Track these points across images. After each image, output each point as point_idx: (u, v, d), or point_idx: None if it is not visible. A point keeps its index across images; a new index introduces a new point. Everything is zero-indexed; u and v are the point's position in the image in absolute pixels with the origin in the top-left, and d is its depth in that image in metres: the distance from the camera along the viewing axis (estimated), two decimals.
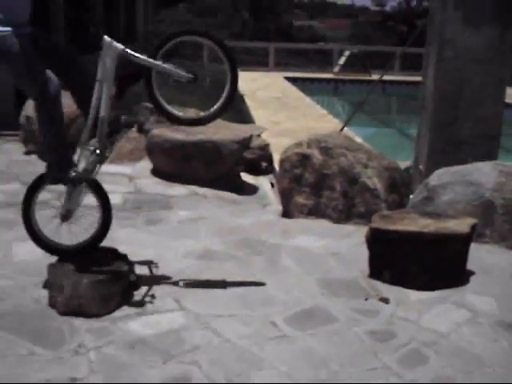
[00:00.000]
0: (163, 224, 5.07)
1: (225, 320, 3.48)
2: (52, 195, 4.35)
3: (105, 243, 4.01)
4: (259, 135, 7.23)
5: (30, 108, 7.20)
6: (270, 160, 7.04)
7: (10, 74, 3.51)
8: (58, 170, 3.63)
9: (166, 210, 5.40)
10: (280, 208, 5.59)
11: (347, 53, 22.25)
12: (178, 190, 5.94)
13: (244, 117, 10.21)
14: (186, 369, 3.00)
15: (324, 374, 3.01)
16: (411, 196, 5.51)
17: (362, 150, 5.60)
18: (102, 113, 3.58)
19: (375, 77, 17.17)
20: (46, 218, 3.85)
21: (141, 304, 3.61)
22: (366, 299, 3.82)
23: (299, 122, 10.69)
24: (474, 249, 4.32)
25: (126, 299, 3.63)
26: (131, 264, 3.83)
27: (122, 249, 3.91)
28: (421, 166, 6.38)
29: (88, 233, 3.84)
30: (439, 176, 5.25)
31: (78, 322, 3.39)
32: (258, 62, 22.90)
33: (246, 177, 6.45)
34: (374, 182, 5.29)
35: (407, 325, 3.52)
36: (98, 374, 2.95)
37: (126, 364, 3.03)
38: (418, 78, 7.06)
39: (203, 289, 3.86)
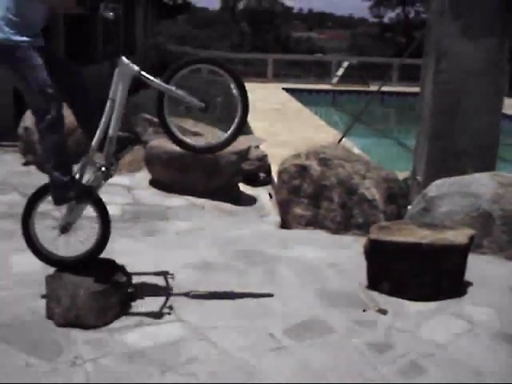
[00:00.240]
0: (161, 235, 5.07)
1: (222, 331, 3.47)
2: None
3: (103, 254, 4.01)
4: (258, 146, 7.25)
5: (28, 119, 7.22)
6: (268, 171, 7.06)
7: (20, 83, 3.50)
8: (65, 190, 3.60)
9: (164, 220, 5.40)
10: (278, 219, 5.60)
11: (345, 64, 22.35)
12: (177, 200, 5.95)
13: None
14: (183, 380, 3.00)
15: None
16: (409, 207, 5.52)
17: (360, 161, 5.61)
18: (111, 131, 3.61)
19: (373, 88, 17.26)
20: (46, 229, 3.85)
21: (138, 315, 3.60)
22: (364, 310, 3.81)
23: (298, 133, 10.71)
24: (472, 260, 4.31)
25: (123, 310, 3.62)
26: (129, 275, 3.82)
27: (119, 260, 3.90)
28: (419, 177, 6.38)
29: (86, 245, 3.84)
30: (437, 187, 5.26)
31: (76, 333, 3.39)
32: (257, 73, 22.97)
33: (244, 188, 6.47)
34: (373, 192, 5.30)
35: (405, 336, 3.51)
36: None
37: (123, 376, 3.02)
38: (416, 89, 7.09)
39: (201, 300, 3.86)
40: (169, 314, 3.64)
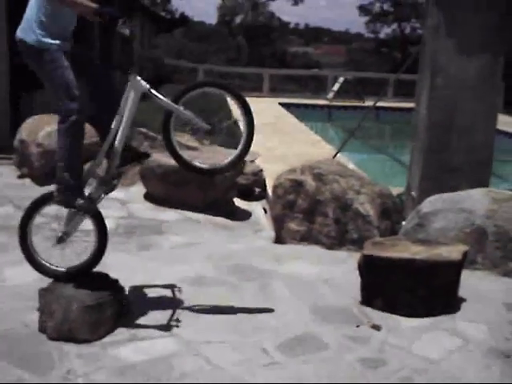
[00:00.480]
0: (156, 249, 5.06)
1: (216, 346, 3.46)
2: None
3: (96, 268, 4.00)
4: (253, 161, 7.27)
5: (24, 131, 7.23)
6: (263, 186, 7.07)
7: (47, 83, 3.58)
8: (69, 193, 3.62)
9: (158, 235, 5.40)
10: (273, 234, 5.60)
11: (341, 79, 22.44)
12: (171, 215, 5.95)
13: (238, 142, 10.24)
14: None
15: None
16: (403, 223, 5.53)
17: (355, 177, 5.63)
18: (117, 145, 3.65)
19: (369, 103, 17.33)
20: (42, 240, 3.86)
21: (132, 330, 3.59)
22: (358, 326, 3.81)
23: (293, 148, 10.74)
24: (466, 276, 4.33)
25: (116, 325, 3.61)
26: (122, 289, 3.82)
27: (113, 274, 3.89)
28: (413, 193, 6.40)
29: (82, 257, 3.83)
30: (431, 203, 5.28)
31: (68, 347, 3.38)
32: (253, 88, 23.05)
33: (239, 202, 6.47)
34: (367, 208, 5.31)
35: (399, 352, 3.51)
36: None
37: None
38: (412, 105, 7.13)
39: (195, 315, 3.85)
40: (162, 328, 3.63)
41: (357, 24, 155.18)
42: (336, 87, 22.31)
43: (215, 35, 43.49)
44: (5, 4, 8.96)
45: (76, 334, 3.45)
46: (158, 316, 3.78)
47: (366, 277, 4.16)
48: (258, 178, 6.99)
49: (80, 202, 3.62)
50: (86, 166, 3.76)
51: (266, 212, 6.31)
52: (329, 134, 16.95)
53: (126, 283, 3.93)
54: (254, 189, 6.95)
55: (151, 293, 4.10)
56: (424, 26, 6.90)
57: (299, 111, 18.77)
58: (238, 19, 43.57)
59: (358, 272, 4.18)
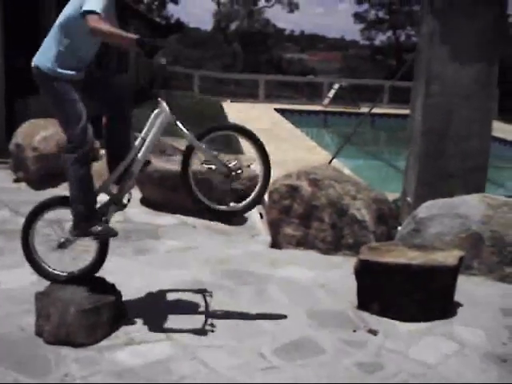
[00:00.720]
0: (152, 254, 5.06)
1: (213, 351, 3.46)
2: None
3: None
4: (249, 166, 7.26)
5: (20, 136, 7.22)
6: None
7: (57, 114, 3.62)
8: (88, 224, 3.63)
9: (154, 239, 5.39)
10: (269, 239, 5.60)
11: (336, 86, 22.52)
12: (167, 219, 5.94)
13: (233, 148, 10.26)
14: None
15: None
16: (399, 228, 5.55)
17: (351, 182, 5.64)
18: (135, 168, 3.71)
19: (364, 109, 17.38)
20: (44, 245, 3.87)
21: (128, 334, 3.59)
22: (355, 331, 3.82)
23: (289, 154, 10.76)
24: (462, 281, 4.34)
25: (113, 329, 3.60)
26: (119, 293, 3.81)
27: (110, 278, 3.89)
28: (409, 198, 6.42)
29: (82, 264, 3.86)
30: (427, 208, 5.29)
31: (65, 351, 3.37)
32: (249, 94, 23.11)
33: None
34: (363, 213, 5.33)
35: (395, 356, 3.52)
36: None
37: None
38: (407, 111, 7.16)
39: (191, 319, 3.84)
40: (158, 332, 3.63)
41: (352, 31, 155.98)
42: (331, 94, 22.38)
43: (211, 41, 43.57)
44: (1, 13, 8.98)
45: (73, 338, 3.45)
46: (155, 320, 3.77)
47: (362, 281, 4.16)
48: (254, 183, 6.97)
49: (98, 229, 3.64)
50: (99, 183, 3.78)
51: (262, 217, 6.30)
52: (324, 139, 16.99)
53: (123, 287, 3.92)
54: (250, 194, 6.94)
55: (148, 297, 4.10)
56: (419, 34, 6.94)
57: (295, 117, 18.82)
58: (234, 26, 43.68)
59: (354, 277, 4.19)
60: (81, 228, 3.65)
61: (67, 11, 3.57)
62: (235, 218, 6.18)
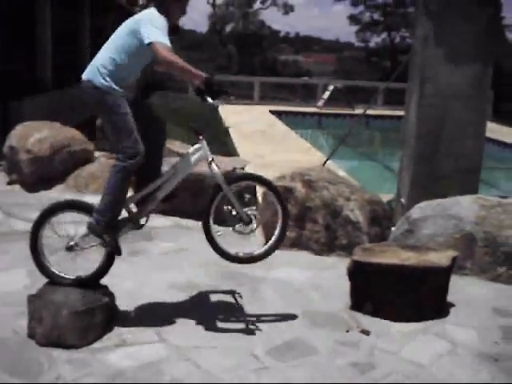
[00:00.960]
0: (145, 255, 5.05)
1: (205, 352, 3.46)
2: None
3: (85, 274, 3.99)
4: (243, 168, 7.26)
5: (14, 138, 7.21)
6: (253, 192, 7.05)
7: (109, 127, 3.73)
8: (105, 226, 3.72)
9: (148, 241, 5.38)
10: (263, 240, 5.59)
11: (331, 87, 22.52)
12: (161, 221, 5.93)
13: (228, 149, 10.27)
14: None
15: None
16: (393, 229, 5.55)
17: (345, 184, 5.65)
18: (160, 193, 3.82)
19: (359, 111, 17.39)
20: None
21: (121, 335, 3.58)
22: (348, 331, 3.82)
23: (283, 155, 10.77)
24: (455, 281, 4.35)
25: (105, 330, 3.60)
26: (112, 295, 3.81)
27: (102, 280, 3.88)
28: (403, 200, 6.43)
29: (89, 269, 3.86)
30: (421, 209, 5.30)
31: (57, 353, 3.36)
32: (244, 96, 23.10)
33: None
34: (356, 215, 5.33)
35: (388, 356, 3.52)
36: None
37: None
38: (401, 113, 7.16)
39: (184, 320, 3.84)
40: (151, 334, 3.62)
41: (347, 33, 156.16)
42: (326, 95, 22.38)
43: (206, 43, 43.59)
44: None
45: (65, 340, 3.44)
46: (148, 322, 3.77)
47: (355, 282, 4.17)
48: (248, 184, 6.97)
49: (108, 239, 3.71)
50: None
51: (255, 218, 6.29)
52: (319, 141, 17.00)
53: (116, 289, 3.92)
54: (244, 195, 6.94)
55: (141, 298, 4.10)
56: (413, 36, 6.96)
57: (289, 119, 18.84)
58: (229, 28, 43.69)
59: (347, 277, 4.19)
60: (97, 226, 3.71)
61: (124, 33, 3.70)
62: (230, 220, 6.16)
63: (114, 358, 3.35)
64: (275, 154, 10.78)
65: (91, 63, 3.75)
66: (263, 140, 12.94)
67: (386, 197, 6.45)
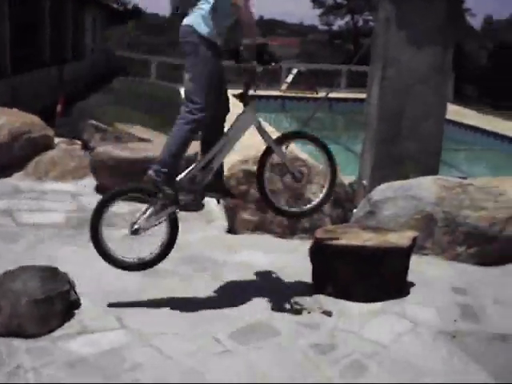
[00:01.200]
0: (107, 242, 4.97)
1: (168, 337, 3.45)
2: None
3: (45, 262, 3.95)
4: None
5: None
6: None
7: (191, 76, 3.79)
8: (163, 177, 3.75)
9: (109, 227, 5.30)
10: (226, 224, 5.59)
11: (295, 70, 22.53)
12: (123, 207, 5.81)
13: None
14: None
15: None
16: (355, 210, 5.60)
17: (307, 166, 5.66)
18: (215, 163, 3.90)
19: (322, 94, 17.44)
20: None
21: (82, 323, 3.55)
22: (309, 312, 3.85)
23: (247, 139, 10.72)
24: (415, 261, 4.41)
25: (66, 318, 3.56)
26: (72, 283, 3.76)
27: (63, 268, 3.83)
28: (364, 181, 6.48)
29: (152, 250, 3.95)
30: (382, 191, 5.35)
31: (17, 342, 3.31)
32: None
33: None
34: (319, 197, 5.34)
35: (349, 337, 3.56)
36: None
37: None
38: (364, 95, 7.20)
39: (146, 306, 3.82)
40: (112, 321, 3.60)
41: (311, 17, 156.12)
42: (290, 78, 22.39)
43: (168, 27, 43.10)
44: None
45: (25, 329, 3.39)
46: (109, 308, 3.74)
47: (317, 264, 4.20)
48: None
49: (169, 191, 3.74)
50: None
51: (218, 202, 6.28)
52: (282, 124, 17.01)
53: (77, 276, 3.87)
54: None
55: (102, 285, 4.06)
56: (376, 19, 6.98)
57: None
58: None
59: (309, 260, 4.22)
60: (156, 182, 3.75)
61: None
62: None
63: (75, 346, 3.31)
64: None
65: (194, 11, 3.80)
66: (226, 123, 12.87)
67: (348, 179, 6.49)
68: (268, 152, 4.06)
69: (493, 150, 13.73)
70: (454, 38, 6.60)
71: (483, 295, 4.29)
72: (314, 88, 21.16)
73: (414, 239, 4.30)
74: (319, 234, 4.34)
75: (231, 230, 5.48)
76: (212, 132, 3.96)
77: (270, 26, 74.65)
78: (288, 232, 5.31)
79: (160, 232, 3.95)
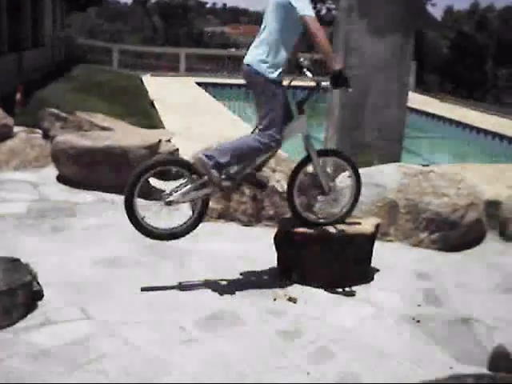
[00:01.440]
0: (69, 232, 4.92)
1: (132, 327, 3.43)
2: None
3: (7, 253, 3.88)
4: (169, 140, 7.18)
5: None
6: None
7: (266, 110, 4.00)
8: (215, 165, 3.89)
9: (72, 217, 5.25)
10: (189, 213, 5.55)
11: None
12: (85, 196, 5.80)
13: (154, 122, 10.12)
14: (92, 377, 2.93)
15: (233, 374, 3.02)
16: (319, 198, 5.61)
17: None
18: (257, 161, 4.08)
19: (285, 82, 17.41)
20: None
21: (45, 314, 3.50)
22: (275, 300, 3.86)
23: (210, 127, 10.68)
24: (379, 247, 4.47)
25: (29, 309, 3.50)
26: (34, 273, 3.70)
27: (25, 258, 3.77)
28: (328, 169, 6.51)
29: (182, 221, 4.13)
30: (345, 178, 5.38)
31: None
32: (169, 67, 22.78)
33: (155, 182, 6.38)
34: (283, 185, 5.36)
35: (314, 323, 3.59)
36: None
37: (30, 376, 2.92)
38: (328, 83, 7.20)
39: (110, 296, 3.79)
40: (76, 311, 3.56)
41: None
42: None
43: (130, 15, 42.63)
44: None
45: None
46: (73, 299, 3.70)
47: (282, 251, 4.22)
48: (174, 157, 6.90)
49: (216, 174, 3.90)
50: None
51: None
52: (246, 113, 16.98)
53: (39, 267, 3.81)
54: (170, 170, 6.87)
55: (65, 275, 4.01)
56: (338, 7, 7.00)
57: (216, 91, 18.69)
58: None
59: (274, 247, 4.23)
60: (206, 164, 3.87)
61: (276, 15, 3.98)
62: (155, 194, 6.10)
63: (38, 338, 3.26)
64: (202, 126, 10.69)
65: (251, 49, 4.08)
66: (190, 112, 12.79)
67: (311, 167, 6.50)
68: (303, 164, 4.28)
69: (454, 138, 13.92)
70: (415, 27, 6.66)
71: (445, 280, 4.37)
72: None
73: (378, 226, 4.35)
74: (284, 221, 4.35)
75: None
76: None
77: (233, 14, 74.42)
78: (253, 220, 5.31)
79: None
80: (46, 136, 7.03)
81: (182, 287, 3.97)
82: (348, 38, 6.37)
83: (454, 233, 5.06)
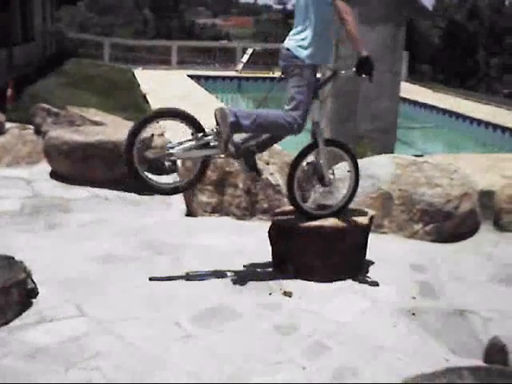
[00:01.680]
0: (63, 228, 4.91)
1: (128, 323, 3.41)
2: None
3: (0, 250, 3.85)
4: (162, 134, 7.15)
5: None
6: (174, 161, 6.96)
7: (295, 94, 4.01)
8: (232, 126, 3.92)
9: (65, 213, 5.23)
10: (184, 207, 5.56)
11: (250, 50, 22.40)
12: (78, 192, 5.78)
13: (141, 109, 10.10)
14: (88, 375, 2.92)
15: (229, 370, 3.01)
16: (316, 189, 5.61)
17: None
18: (263, 137, 4.12)
19: (278, 74, 17.38)
20: None
21: (40, 312, 3.48)
22: (270, 294, 3.86)
23: (203, 120, 10.65)
24: (374, 239, 4.46)
25: (24, 308, 3.49)
26: (29, 271, 3.68)
27: (19, 256, 3.75)
28: (321, 161, 6.49)
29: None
30: (339, 170, 5.37)
31: None
32: (161, 61, 22.67)
33: (148, 176, 6.38)
34: (276, 178, 5.36)
35: (310, 317, 3.58)
36: None
37: (26, 374, 2.91)
38: (319, 75, 7.19)
39: (105, 293, 3.77)
40: (71, 308, 3.54)
41: None
42: (245, 59, 22.25)
43: (121, 8, 42.37)
44: None
45: None
46: (67, 296, 3.68)
47: (276, 245, 4.21)
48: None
49: (227, 132, 3.90)
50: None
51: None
52: (238, 104, 16.95)
53: (34, 264, 3.79)
54: (163, 162, 6.85)
55: (60, 272, 3.99)
56: None
57: (208, 83, 18.66)
58: None
59: (268, 241, 4.22)
60: (226, 115, 3.94)
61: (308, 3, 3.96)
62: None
63: (33, 336, 3.25)
64: None
65: (291, 35, 4.06)
66: (182, 105, 12.70)
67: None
68: (306, 153, 4.26)
69: (447, 128, 13.93)
70: (407, 17, 6.65)
71: (440, 272, 4.37)
72: (269, 68, 21.09)
73: (372, 218, 4.34)
74: (278, 215, 4.34)
75: (189, 212, 5.45)
76: None
77: (224, 6, 74.08)
78: (247, 214, 5.30)
79: None
80: (38, 132, 7.00)
81: (177, 282, 3.95)
82: (339, 27, 6.34)
83: (448, 224, 5.07)
